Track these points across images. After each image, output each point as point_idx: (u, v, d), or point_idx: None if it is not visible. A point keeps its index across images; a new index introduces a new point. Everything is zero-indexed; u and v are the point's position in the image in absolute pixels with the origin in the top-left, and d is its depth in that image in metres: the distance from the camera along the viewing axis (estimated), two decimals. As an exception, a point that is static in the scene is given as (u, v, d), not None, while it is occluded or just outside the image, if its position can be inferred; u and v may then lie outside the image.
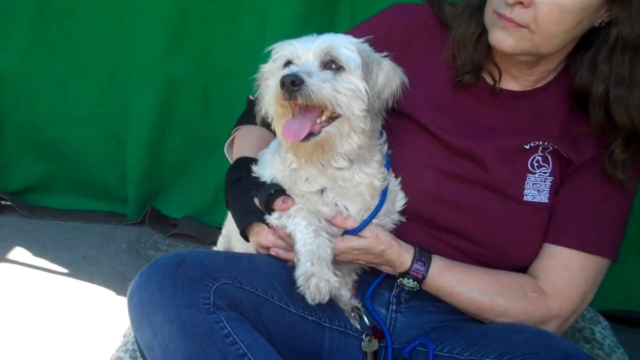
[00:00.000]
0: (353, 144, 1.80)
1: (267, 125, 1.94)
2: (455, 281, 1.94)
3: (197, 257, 1.75)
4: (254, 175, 1.96)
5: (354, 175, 1.87)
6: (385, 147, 1.94)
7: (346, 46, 1.78)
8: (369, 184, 1.88)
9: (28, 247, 3.91)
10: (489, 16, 1.91)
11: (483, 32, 1.96)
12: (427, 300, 2.03)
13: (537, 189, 1.96)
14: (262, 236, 1.92)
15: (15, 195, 4.28)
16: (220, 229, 2.47)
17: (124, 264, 3.84)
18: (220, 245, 2.41)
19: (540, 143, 1.96)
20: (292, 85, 1.66)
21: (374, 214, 1.89)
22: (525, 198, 1.96)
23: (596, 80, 1.88)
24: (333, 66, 1.75)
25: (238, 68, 3.68)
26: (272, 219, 1.88)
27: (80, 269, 3.74)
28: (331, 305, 1.98)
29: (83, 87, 4.01)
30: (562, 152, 1.96)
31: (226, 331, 1.63)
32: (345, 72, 1.75)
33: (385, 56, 1.87)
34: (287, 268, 1.89)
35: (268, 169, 1.94)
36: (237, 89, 3.62)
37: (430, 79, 2.06)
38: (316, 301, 1.74)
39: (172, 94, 3.85)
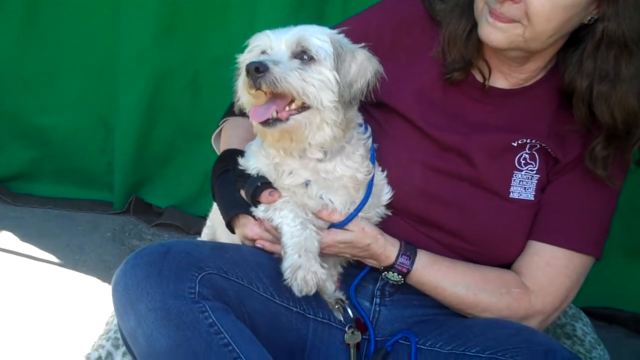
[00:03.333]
0: (325, 136, 1.81)
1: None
2: (440, 276, 1.94)
3: (183, 246, 1.75)
4: (240, 167, 1.96)
5: (335, 167, 1.87)
6: (370, 141, 1.94)
7: (318, 37, 1.78)
8: (352, 176, 1.88)
9: (11, 235, 3.90)
10: (479, 9, 1.91)
11: (473, 28, 1.96)
12: (411, 294, 2.04)
13: (523, 186, 1.98)
14: (248, 228, 1.92)
15: (1, 180, 4.24)
16: (205, 218, 2.47)
17: (108, 253, 3.83)
18: (204, 236, 2.41)
19: (528, 141, 1.98)
20: (255, 72, 1.66)
21: (359, 208, 1.90)
22: (511, 195, 1.97)
23: (581, 76, 1.89)
24: (304, 57, 1.76)
25: (227, 58, 3.57)
26: (259, 211, 1.88)
27: (64, 257, 3.74)
28: (316, 297, 1.98)
29: (72, 75, 4.00)
30: (549, 150, 1.97)
31: (211, 320, 1.63)
32: (316, 63, 1.75)
33: (362, 47, 1.86)
34: (273, 259, 1.89)
35: (253, 161, 1.94)
36: (226, 79, 3.53)
37: (420, 75, 2.06)
38: (303, 293, 1.75)
39: (161, 84, 3.84)
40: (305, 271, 1.75)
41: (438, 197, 1.98)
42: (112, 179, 4.17)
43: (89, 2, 3.81)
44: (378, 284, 2.06)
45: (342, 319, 1.99)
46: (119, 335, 2.08)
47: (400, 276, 1.95)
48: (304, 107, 1.76)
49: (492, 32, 1.87)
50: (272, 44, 1.77)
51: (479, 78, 2.03)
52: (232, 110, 2.28)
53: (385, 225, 1.99)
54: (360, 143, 1.91)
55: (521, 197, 1.97)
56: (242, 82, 1.76)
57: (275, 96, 1.74)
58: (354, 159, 1.89)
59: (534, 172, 1.98)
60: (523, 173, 1.98)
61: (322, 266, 1.79)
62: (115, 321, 2.17)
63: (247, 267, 1.83)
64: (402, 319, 2.05)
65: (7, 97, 4.10)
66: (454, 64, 2.00)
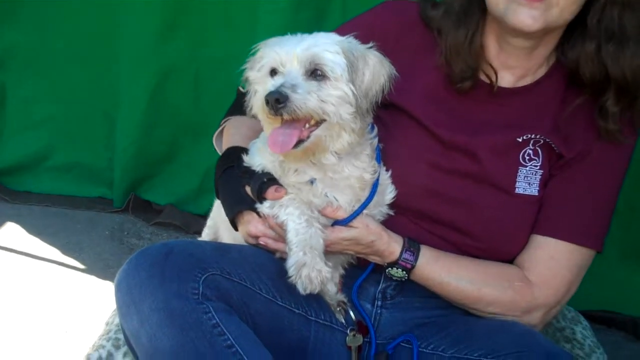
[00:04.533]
0: (344, 142, 1.81)
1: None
2: (444, 271, 1.95)
3: (186, 247, 1.75)
4: (245, 164, 1.96)
5: (343, 168, 1.87)
6: (376, 140, 1.95)
7: (330, 49, 1.76)
8: (359, 177, 1.89)
9: (10, 233, 3.89)
10: (502, 1, 1.90)
11: (474, 34, 1.98)
12: (413, 296, 2.04)
13: (527, 181, 1.99)
14: (252, 225, 1.91)
15: (0, 176, 4.24)
16: (204, 217, 2.46)
17: (107, 251, 3.82)
18: (205, 236, 2.39)
19: (532, 136, 1.99)
20: (276, 102, 1.67)
21: (364, 205, 1.90)
22: (517, 191, 1.98)
23: (588, 39, 1.92)
24: (318, 72, 1.75)
25: (229, 58, 3.68)
26: (264, 207, 1.87)
27: (62, 255, 3.73)
28: (318, 299, 1.99)
29: (78, 69, 4.00)
30: (553, 145, 1.98)
31: (214, 321, 1.63)
32: (331, 80, 1.75)
33: (372, 47, 1.85)
34: (275, 261, 1.90)
35: (258, 158, 1.94)
36: (228, 78, 3.63)
37: (424, 74, 2.07)
38: (307, 291, 1.74)
39: (163, 82, 3.85)
40: (310, 269, 1.74)
41: (443, 195, 1.99)
42: (112, 175, 4.17)
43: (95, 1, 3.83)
44: (380, 287, 2.06)
45: (343, 321, 1.99)
46: (119, 336, 2.09)
47: (404, 272, 1.95)
48: (322, 120, 1.76)
49: (528, 13, 1.85)
50: (283, 60, 1.75)
51: (485, 79, 2.03)
52: (233, 110, 2.28)
53: (389, 223, 1.99)
54: (367, 143, 1.91)
55: (526, 193, 1.99)
56: (260, 107, 1.75)
57: (294, 119, 1.73)
58: (361, 159, 1.89)
59: (538, 167, 1.99)
60: (527, 168, 1.99)
61: (326, 264, 1.78)
62: (116, 321, 2.17)
63: (249, 269, 1.83)
64: (403, 322, 2.05)
65: (11, 90, 4.11)
66: (462, 73, 2.00)
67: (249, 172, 1.92)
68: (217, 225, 2.29)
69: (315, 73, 1.74)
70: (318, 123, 1.76)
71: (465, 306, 1.99)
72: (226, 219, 1.98)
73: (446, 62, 2.02)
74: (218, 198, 2.06)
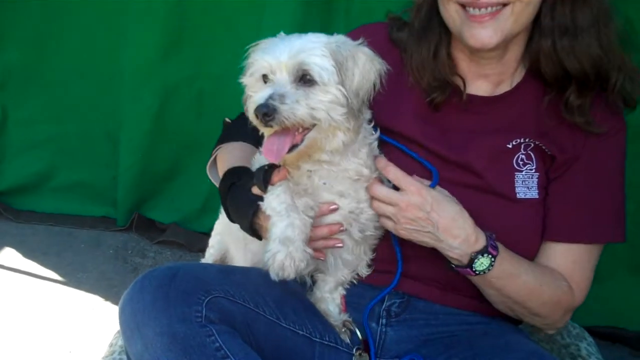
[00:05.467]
0: (339, 141, 1.83)
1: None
2: (516, 262, 1.93)
3: (190, 269, 1.76)
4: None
5: (340, 162, 1.89)
6: (375, 144, 1.96)
7: (317, 54, 1.77)
8: (358, 170, 1.91)
9: (14, 253, 3.89)
10: (456, 22, 1.94)
11: (438, 47, 2.01)
12: (417, 313, 2.04)
13: (526, 185, 2.00)
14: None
15: (2, 196, 4.25)
16: (207, 235, 2.46)
17: (111, 270, 3.82)
18: (209, 257, 2.38)
19: (522, 140, 2.01)
20: (264, 116, 1.70)
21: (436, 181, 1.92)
22: (518, 196, 2.00)
23: (543, 37, 1.94)
24: (307, 77, 1.76)
25: (233, 75, 3.63)
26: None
27: (66, 275, 3.73)
28: (322, 320, 1.99)
29: (80, 87, 4.01)
30: (544, 147, 2.00)
31: (217, 344, 1.63)
32: (320, 85, 1.76)
33: (361, 43, 1.86)
34: (279, 283, 1.89)
35: (262, 160, 1.96)
36: (231, 96, 3.58)
37: (407, 95, 2.08)
38: (279, 277, 1.76)
39: (166, 100, 3.86)
40: (284, 256, 1.75)
41: None
42: (116, 194, 4.17)
43: (98, 17, 3.84)
44: (384, 305, 2.05)
45: (349, 341, 1.99)
46: (123, 357, 2.08)
47: (491, 260, 1.85)
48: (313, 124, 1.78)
49: (481, 33, 1.90)
50: (273, 68, 1.77)
51: (461, 88, 2.06)
52: (223, 139, 2.30)
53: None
54: (366, 143, 1.92)
55: (527, 197, 2.00)
56: (252, 118, 1.77)
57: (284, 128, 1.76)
58: (359, 156, 1.91)
59: (533, 170, 2.01)
60: (523, 173, 2.01)
61: (305, 251, 1.78)
62: (119, 342, 2.18)
63: (253, 290, 1.83)
64: (408, 339, 2.04)
65: (12, 110, 4.14)
66: (429, 87, 2.03)
67: (251, 174, 1.95)
68: (225, 247, 2.29)
69: (305, 78, 1.76)
70: (311, 126, 1.77)
71: (522, 303, 1.95)
72: (238, 236, 1.99)
73: (414, 79, 2.05)
74: (229, 217, 2.04)
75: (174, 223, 4.13)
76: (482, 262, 1.85)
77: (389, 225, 1.90)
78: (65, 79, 4.05)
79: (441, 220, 1.84)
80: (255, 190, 1.91)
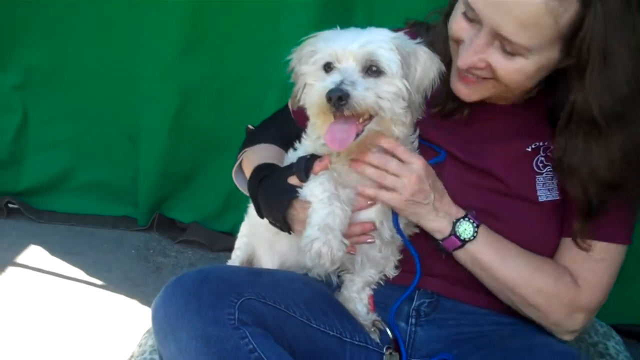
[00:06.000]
0: (394, 134, 1.87)
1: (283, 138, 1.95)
2: (503, 244, 1.95)
3: (220, 273, 1.78)
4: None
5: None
6: (416, 143, 1.98)
7: (384, 46, 1.80)
8: None
9: (37, 252, 3.91)
10: (452, 53, 1.96)
11: (448, 64, 1.99)
12: (446, 312, 2.05)
13: (547, 188, 2.00)
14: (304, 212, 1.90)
15: (23, 196, 4.28)
16: (229, 235, 2.46)
17: (134, 270, 3.84)
18: (235, 259, 2.36)
19: (541, 144, 2.01)
20: (338, 100, 1.70)
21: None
22: (540, 199, 1.99)
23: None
24: (374, 68, 1.79)
25: (252, 75, 3.68)
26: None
27: (91, 274, 3.75)
28: (351, 320, 1.99)
29: (101, 89, 4.03)
30: None
31: (251, 346, 1.64)
32: (387, 76, 1.79)
33: (420, 43, 1.89)
34: (307, 284, 1.91)
35: (302, 149, 2.00)
36: (251, 95, 3.65)
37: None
38: (314, 264, 1.77)
39: (185, 100, 3.86)
40: (321, 244, 1.76)
41: (474, 208, 1.98)
42: (136, 194, 4.20)
43: (116, 17, 3.84)
44: (413, 304, 2.06)
45: (379, 341, 1.99)
46: (155, 357, 2.10)
47: (474, 227, 1.92)
48: (375, 114, 1.80)
49: (462, 89, 1.95)
50: (339, 56, 1.79)
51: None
52: (247, 143, 2.31)
53: (415, 239, 2.01)
54: (409, 140, 1.95)
55: (549, 199, 2.00)
56: (318, 104, 1.78)
57: (353, 115, 1.77)
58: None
59: (553, 173, 2.00)
60: (544, 175, 2.01)
61: (343, 243, 1.79)
62: (149, 342, 2.19)
63: (282, 292, 1.84)
64: (438, 339, 2.05)
65: (32, 110, 4.17)
66: (440, 96, 2.02)
67: (291, 165, 1.96)
68: (251, 249, 2.29)
69: (371, 69, 1.78)
70: (371, 117, 1.80)
71: (513, 290, 1.95)
72: (264, 238, 1.99)
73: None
74: (258, 212, 2.05)
75: (195, 222, 4.14)
76: (465, 228, 1.92)
77: (387, 197, 1.90)
78: (85, 79, 4.05)
79: (437, 194, 1.92)
80: (293, 180, 1.93)
